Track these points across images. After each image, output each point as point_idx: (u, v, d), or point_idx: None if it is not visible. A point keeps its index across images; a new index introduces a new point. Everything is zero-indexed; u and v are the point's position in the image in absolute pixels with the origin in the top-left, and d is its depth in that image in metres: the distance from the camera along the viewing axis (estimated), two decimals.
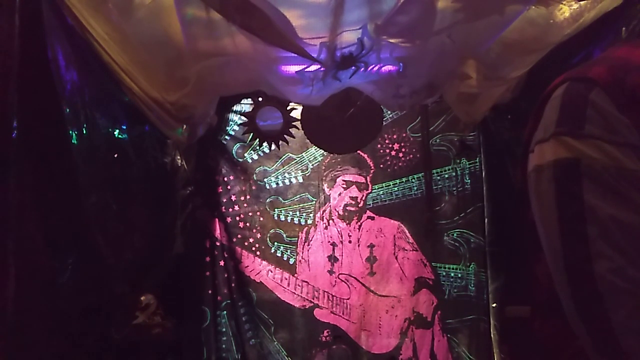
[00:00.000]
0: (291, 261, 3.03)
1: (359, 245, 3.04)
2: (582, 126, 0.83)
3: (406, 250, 3.06)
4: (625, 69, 0.85)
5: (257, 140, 2.84)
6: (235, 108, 2.99)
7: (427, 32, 1.90)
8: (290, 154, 3.06)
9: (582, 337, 0.83)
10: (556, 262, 0.85)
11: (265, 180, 3.05)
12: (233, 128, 3.04)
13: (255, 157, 3.06)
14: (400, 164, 3.09)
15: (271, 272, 3.01)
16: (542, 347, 0.99)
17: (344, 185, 3.07)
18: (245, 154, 3.06)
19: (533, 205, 0.91)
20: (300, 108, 2.78)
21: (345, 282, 3.02)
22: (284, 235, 3.04)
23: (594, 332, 0.81)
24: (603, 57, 0.97)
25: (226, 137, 3.04)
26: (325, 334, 2.99)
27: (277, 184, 3.06)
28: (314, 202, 3.06)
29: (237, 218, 3.03)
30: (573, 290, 0.82)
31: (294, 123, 2.79)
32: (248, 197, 3.04)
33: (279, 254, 3.03)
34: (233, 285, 2.97)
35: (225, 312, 2.97)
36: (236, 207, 3.03)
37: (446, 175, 3.07)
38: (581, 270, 0.81)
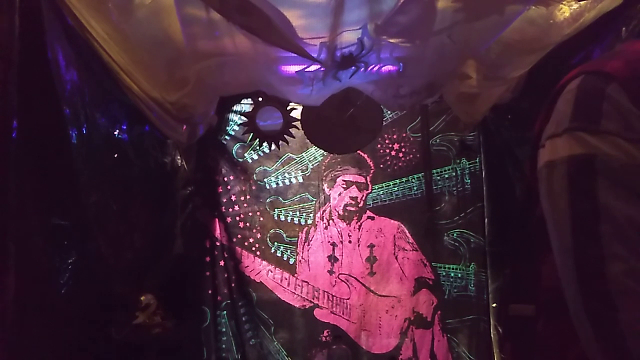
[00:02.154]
0: (291, 261, 3.03)
1: (359, 245, 3.04)
2: (597, 121, 0.80)
3: (406, 250, 3.06)
4: None
5: (257, 140, 2.84)
6: (235, 108, 2.98)
7: (427, 32, 1.90)
8: (290, 154, 3.05)
9: (587, 339, 0.81)
10: (566, 261, 0.83)
11: (265, 180, 3.05)
12: (233, 128, 3.04)
13: (255, 157, 3.06)
14: (400, 164, 3.08)
15: (271, 272, 3.01)
16: (545, 347, 0.97)
17: (344, 185, 3.07)
18: (245, 154, 3.06)
19: (544, 202, 0.89)
20: (300, 108, 2.78)
21: (345, 282, 3.02)
22: (284, 235, 3.04)
23: (601, 334, 0.79)
24: (619, 50, 0.94)
25: (226, 137, 3.04)
26: (325, 334, 2.99)
27: (277, 184, 3.06)
28: (314, 202, 3.06)
29: (237, 218, 3.03)
30: (582, 290, 0.80)
31: (294, 123, 2.79)
32: (248, 197, 3.04)
33: (279, 254, 3.03)
34: (233, 285, 2.96)
35: (225, 312, 2.96)
36: (236, 207, 3.03)
37: (446, 175, 3.07)
38: (593, 271, 0.79)
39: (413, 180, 3.08)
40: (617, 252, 0.77)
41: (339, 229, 3.05)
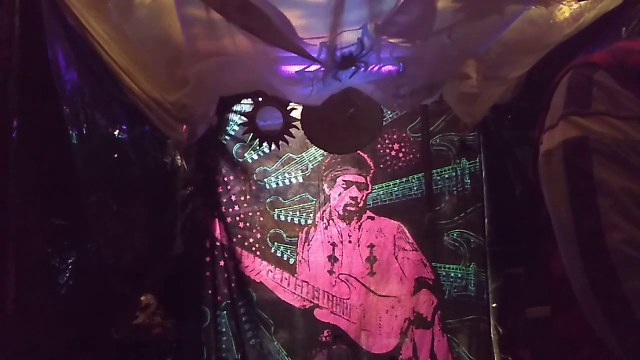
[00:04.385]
0: (291, 261, 3.03)
1: (359, 245, 3.04)
2: (588, 105, 0.84)
3: (406, 250, 3.06)
4: (626, 52, 0.88)
5: (257, 140, 2.84)
6: (235, 108, 2.99)
7: (427, 32, 1.90)
8: (290, 154, 3.05)
9: (593, 315, 0.82)
10: (568, 240, 0.85)
11: (265, 180, 3.05)
12: (233, 128, 3.04)
13: (255, 157, 3.06)
14: (400, 164, 3.09)
15: (271, 272, 3.01)
16: (562, 340, 0.98)
17: (344, 185, 3.07)
18: (245, 154, 3.06)
19: (544, 190, 0.91)
20: (300, 108, 2.78)
21: (345, 282, 3.02)
22: (284, 235, 3.04)
23: (607, 306, 0.80)
24: (605, 48, 0.99)
25: (226, 137, 3.04)
26: (325, 334, 2.99)
27: (277, 184, 3.06)
28: (314, 202, 3.06)
29: (237, 218, 3.03)
30: (585, 264, 0.82)
31: (294, 123, 2.79)
32: (248, 197, 3.04)
33: (279, 254, 3.03)
34: (233, 285, 2.97)
35: (225, 312, 2.97)
36: (236, 207, 3.03)
37: (446, 175, 3.07)
38: (593, 243, 0.80)
39: (413, 180, 3.08)
40: (616, 222, 0.79)
41: (339, 229, 3.05)
